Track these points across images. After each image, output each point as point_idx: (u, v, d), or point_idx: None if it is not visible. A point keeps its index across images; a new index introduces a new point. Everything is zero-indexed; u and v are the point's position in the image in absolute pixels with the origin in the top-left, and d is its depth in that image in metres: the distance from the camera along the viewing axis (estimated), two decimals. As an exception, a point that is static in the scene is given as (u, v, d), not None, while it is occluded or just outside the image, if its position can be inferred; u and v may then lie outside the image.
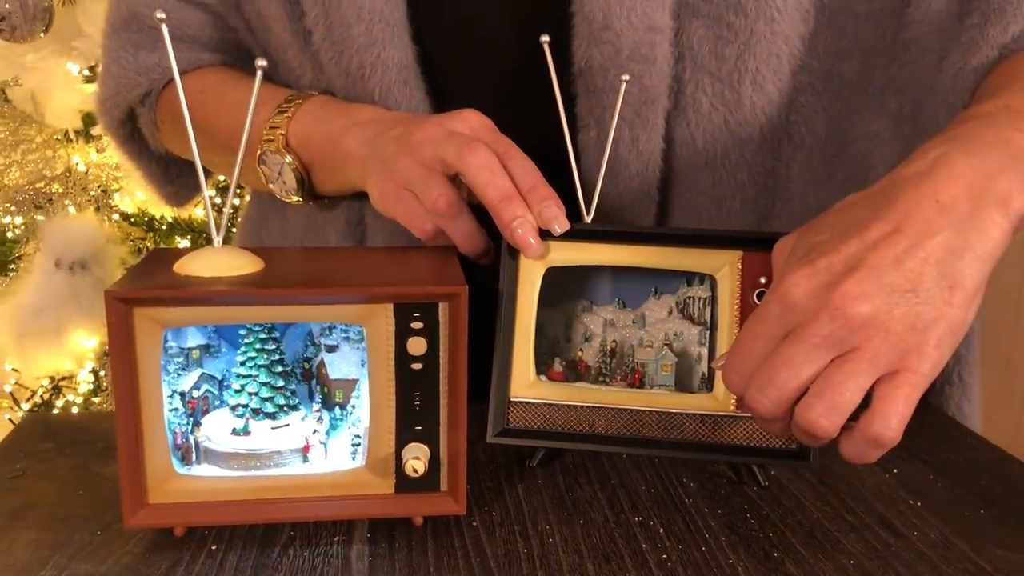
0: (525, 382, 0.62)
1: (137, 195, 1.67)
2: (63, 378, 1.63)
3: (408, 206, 0.64)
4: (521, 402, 0.62)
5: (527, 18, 0.66)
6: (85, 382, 1.63)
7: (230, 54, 0.82)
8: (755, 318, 0.51)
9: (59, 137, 1.63)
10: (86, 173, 1.63)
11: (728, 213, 0.73)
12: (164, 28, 0.54)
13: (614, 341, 0.64)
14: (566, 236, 0.60)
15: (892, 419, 0.47)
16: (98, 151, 1.64)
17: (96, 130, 1.60)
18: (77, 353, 1.60)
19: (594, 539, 0.58)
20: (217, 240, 0.58)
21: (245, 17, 0.79)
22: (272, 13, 0.75)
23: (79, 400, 1.65)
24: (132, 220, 1.67)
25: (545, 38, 0.63)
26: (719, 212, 0.73)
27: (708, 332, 0.63)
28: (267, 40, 0.79)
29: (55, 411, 1.63)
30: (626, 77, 0.65)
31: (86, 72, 1.57)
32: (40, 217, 1.58)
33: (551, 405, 0.62)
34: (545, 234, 0.61)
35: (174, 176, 0.89)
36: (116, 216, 1.69)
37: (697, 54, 0.69)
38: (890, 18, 0.70)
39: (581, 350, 0.65)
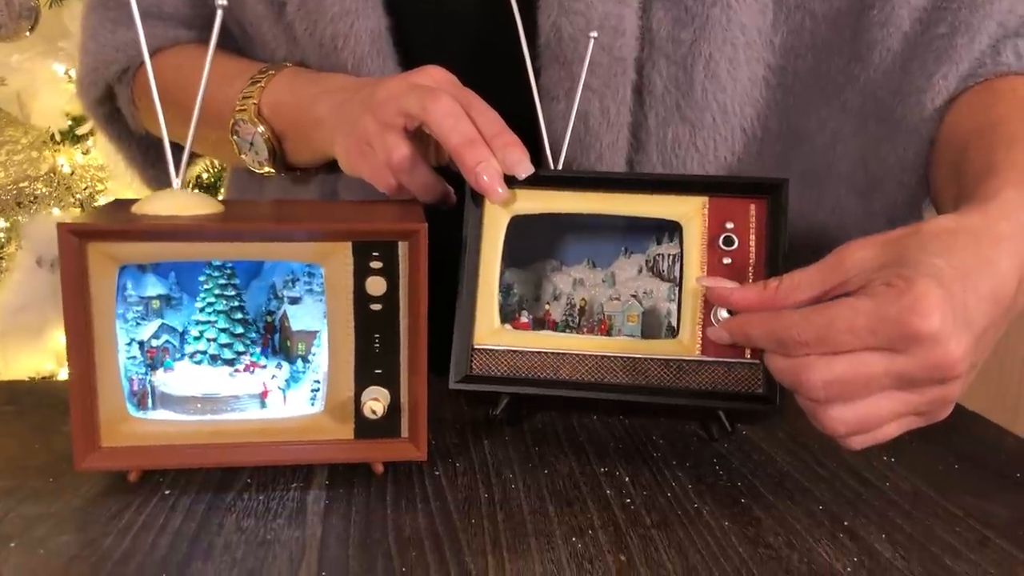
0: (489, 329, 0.61)
1: (124, 197, 1.66)
2: (44, 377, 1.61)
3: (371, 162, 0.64)
4: (485, 349, 0.61)
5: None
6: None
7: (208, 31, 0.82)
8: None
9: (45, 139, 1.63)
10: (71, 174, 1.63)
11: None
12: (133, 2, 0.54)
13: (583, 299, 0.63)
14: (530, 182, 0.60)
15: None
16: (84, 153, 1.64)
17: (82, 131, 1.60)
18: (58, 352, 1.58)
19: (557, 486, 0.57)
20: (176, 183, 0.57)
21: None
22: None
23: (60, 402, 1.63)
24: (117, 222, 1.66)
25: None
26: None
27: (677, 288, 0.63)
28: (242, 15, 0.79)
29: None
30: (594, 34, 0.64)
31: (72, 72, 1.57)
32: (23, 219, 1.57)
33: (515, 352, 0.61)
34: (510, 181, 0.60)
35: (154, 159, 0.89)
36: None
37: (655, 35, 0.69)
38: (848, 19, 0.70)
39: (548, 305, 0.64)
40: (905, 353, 0.46)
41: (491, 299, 0.62)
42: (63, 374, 1.61)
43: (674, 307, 0.62)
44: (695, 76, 0.69)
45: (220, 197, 0.86)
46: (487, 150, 0.59)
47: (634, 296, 0.63)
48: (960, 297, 0.47)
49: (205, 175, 1.54)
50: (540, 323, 0.64)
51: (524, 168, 0.59)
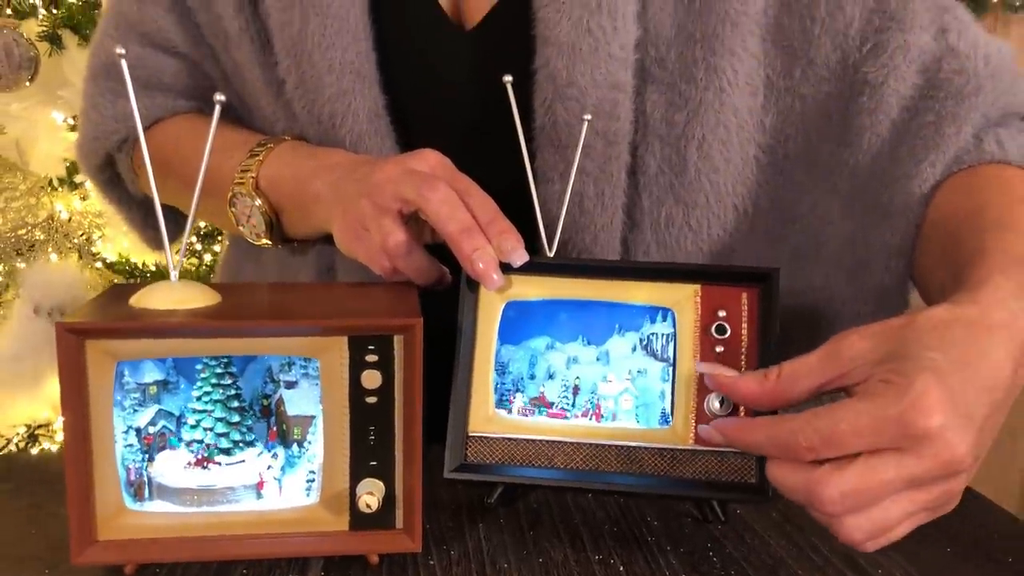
0: (484, 416, 0.62)
1: (121, 243, 1.67)
2: (39, 426, 1.61)
3: (367, 245, 0.65)
4: (479, 436, 0.62)
5: (491, 73, 0.67)
6: (62, 430, 1.61)
7: (207, 102, 0.83)
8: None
9: (43, 185, 1.64)
10: (69, 220, 1.63)
11: None
12: (123, 64, 0.54)
13: (577, 378, 0.64)
14: (525, 269, 0.61)
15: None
16: (82, 199, 1.65)
17: (79, 178, 1.61)
18: (54, 401, 1.58)
19: (552, 577, 0.57)
20: (173, 275, 0.58)
21: (220, 66, 0.80)
22: (246, 61, 0.76)
23: (55, 448, 1.63)
24: (115, 267, 1.67)
25: (508, 78, 0.63)
26: None
27: (671, 368, 0.63)
28: (242, 88, 0.80)
29: (30, 459, 1.61)
30: (588, 117, 0.65)
31: (71, 120, 1.58)
32: (21, 264, 1.57)
33: (510, 439, 0.62)
34: (505, 268, 0.61)
35: (155, 222, 0.90)
36: (99, 264, 1.69)
37: (650, 117, 0.70)
38: (838, 104, 0.71)
39: (543, 387, 0.64)
40: (912, 453, 0.47)
41: (487, 386, 0.62)
42: (59, 422, 1.61)
43: (668, 388, 0.63)
44: (688, 157, 0.70)
45: (218, 248, 0.86)
46: (483, 238, 0.60)
47: (628, 379, 0.63)
48: (959, 390, 0.47)
49: (203, 224, 1.54)
50: (536, 403, 0.64)
51: (519, 256, 0.60)
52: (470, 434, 0.61)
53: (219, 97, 0.56)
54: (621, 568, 0.58)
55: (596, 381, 0.64)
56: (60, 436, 1.65)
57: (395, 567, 0.57)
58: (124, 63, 0.54)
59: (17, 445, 1.60)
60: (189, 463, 0.57)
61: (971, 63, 0.68)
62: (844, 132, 0.71)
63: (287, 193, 0.72)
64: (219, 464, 0.58)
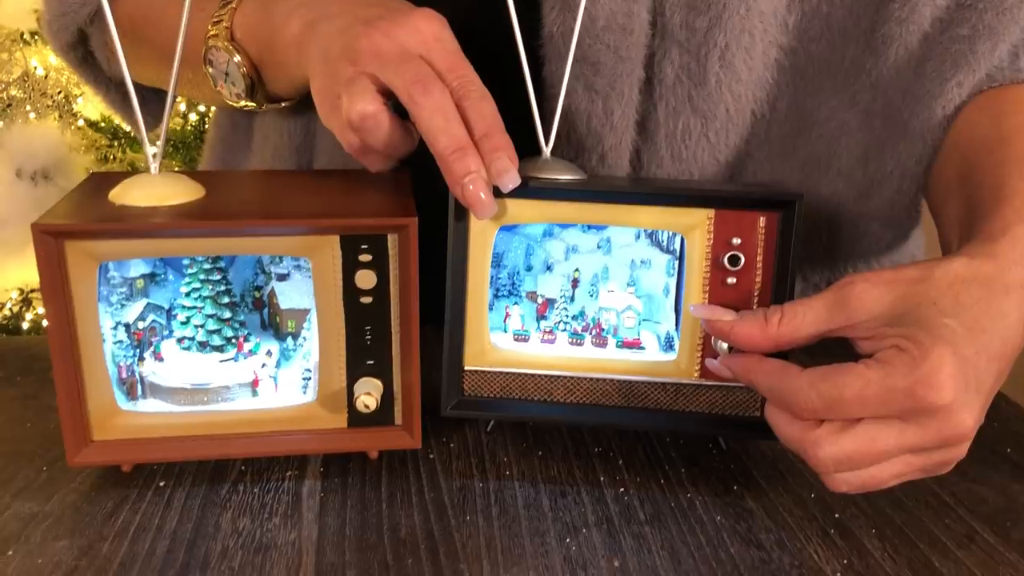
0: (480, 350, 0.59)
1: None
2: (32, 290, 1.60)
3: (339, 119, 0.57)
4: (476, 371, 0.59)
5: (494, 17, 0.59)
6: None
7: None
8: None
9: (14, 39, 1.56)
10: (46, 77, 1.57)
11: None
12: None
13: (576, 270, 0.62)
14: (518, 193, 0.54)
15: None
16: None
17: (53, 32, 1.53)
18: (44, 265, 1.57)
19: (552, 472, 0.57)
20: (154, 166, 0.55)
21: None
22: None
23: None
24: (96, 127, 1.61)
25: None
26: None
27: (676, 262, 0.61)
28: None
29: (25, 323, 1.61)
30: None
31: (39, -31, 1.49)
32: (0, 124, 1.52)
33: (507, 373, 0.59)
34: (497, 192, 0.54)
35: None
36: (81, 122, 1.63)
37: (668, 21, 0.64)
38: (868, 9, 0.65)
39: (540, 282, 0.62)
40: (916, 424, 0.45)
41: (481, 319, 0.58)
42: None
43: (672, 282, 0.61)
44: (709, 68, 0.65)
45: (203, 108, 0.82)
46: (476, 158, 0.53)
47: (631, 289, 0.61)
48: (972, 361, 0.46)
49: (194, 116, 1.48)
50: (531, 309, 0.62)
51: (510, 179, 0.53)
52: (466, 368, 0.59)
53: None
54: (620, 462, 0.58)
55: (597, 274, 0.62)
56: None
57: (394, 462, 0.57)
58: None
59: (11, 309, 1.59)
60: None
61: None
62: (871, 39, 0.65)
63: (264, 40, 0.65)
64: (213, 362, 0.57)
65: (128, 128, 1.58)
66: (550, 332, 0.62)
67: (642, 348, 0.61)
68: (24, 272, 1.56)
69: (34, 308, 1.62)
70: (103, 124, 1.63)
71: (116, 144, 1.60)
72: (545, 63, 0.65)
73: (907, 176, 0.67)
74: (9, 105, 1.51)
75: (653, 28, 0.65)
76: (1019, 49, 0.64)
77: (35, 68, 1.57)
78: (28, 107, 1.54)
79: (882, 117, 0.67)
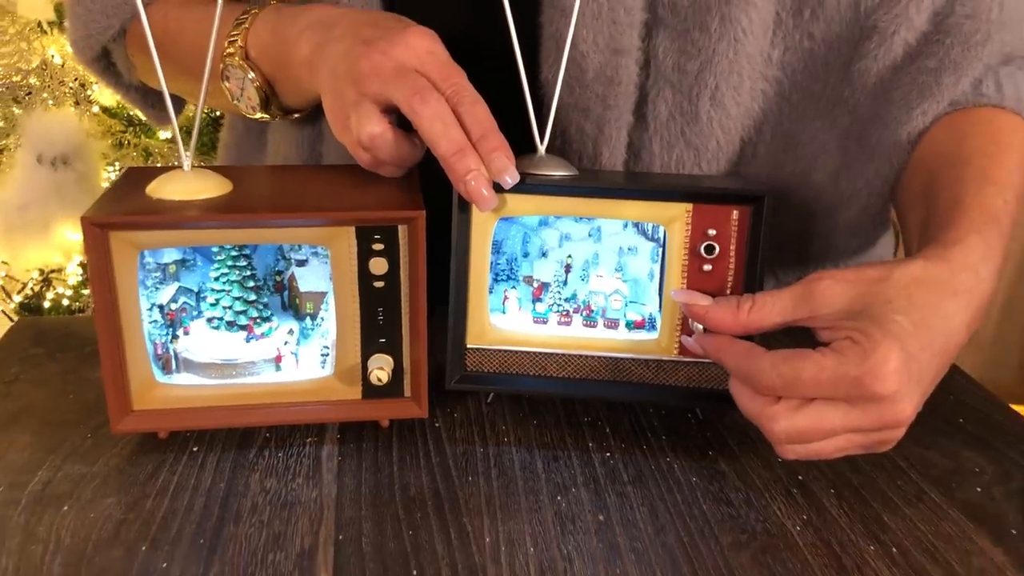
0: (481, 330, 0.65)
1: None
2: (52, 271, 1.66)
3: (351, 136, 0.63)
4: (477, 349, 0.65)
5: (491, 30, 0.64)
6: (74, 275, 1.67)
7: None
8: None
9: (33, 28, 1.61)
10: (62, 66, 1.62)
11: None
12: None
13: (569, 256, 0.68)
14: (517, 189, 0.60)
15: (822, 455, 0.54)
16: (74, 43, 1.62)
17: (70, 21, 1.58)
18: (64, 247, 1.63)
19: (545, 439, 0.63)
20: (187, 163, 0.60)
21: None
22: None
23: (69, 292, 1.69)
24: (112, 113, 1.67)
25: None
26: None
27: (661, 250, 0.66)
28: None
29: (46, 303, 1.67)
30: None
31: (56, -39, 1.54)
32: (19, 111, 1.58)
33: (506, 351, 0.65)
34: (497, 187, 0.60)
35: (154, 101, 0.90)
36: (96, 108, 1.68)
37: (661, 63, 0.70)
38: (847, 47, 0.70)
39: (536, 267, 0.68)
40: (861, 408, 0.51)
41: (482, 301, 0.64)
42: (71, 267, 1.66)
43: (657, 268, 0.67)
44: (700, 106, 0.70)
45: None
46: (476, 158, 0.58)
47: (618, 275, 0.67)
48: (916, 356, 0.51)
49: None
50: (527, 291, 0.67)
51: (510, 175, 0.58)
52: (469, 347, 0.65)
53: None
54: (607, 430, 0.64)
55: (588, 260, 0.67)
56: (72, 280, 1.71)
57: (404, 430, 0.64)
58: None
59: (32, 289, 1.65)
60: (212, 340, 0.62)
61: (984, 8, 0.67)
62: (848, 71, 0.71)
63: (277, 58, 0.70)
64: (239, 340, 0.63)
65: (143, 117, 1.63)
66: (562, 314, 0.68)
67: (628, 328, 0.67)
68: (45, 253, 1.62)
69: (54, 288, 1.68)
70: (118, 111, 1.69)
71: (131, 130, 1.66)
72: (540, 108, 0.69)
73: (874, 194, 0.73)
74: (29, 93, 1.57)
75: (646, 71, 0.70)
76: (980, 81, 0.69)
77: (52, 57, 1.63)
78: (46, 94, 1.60)
79: (855, 139, 0.73)
